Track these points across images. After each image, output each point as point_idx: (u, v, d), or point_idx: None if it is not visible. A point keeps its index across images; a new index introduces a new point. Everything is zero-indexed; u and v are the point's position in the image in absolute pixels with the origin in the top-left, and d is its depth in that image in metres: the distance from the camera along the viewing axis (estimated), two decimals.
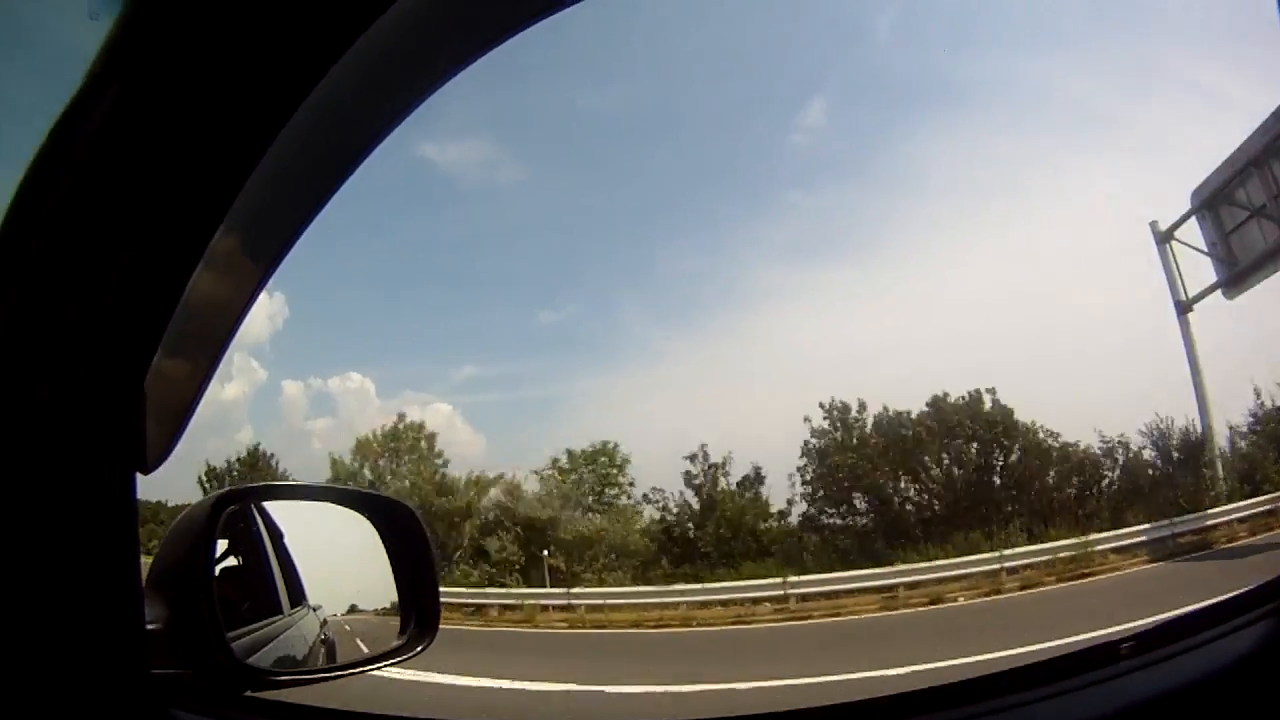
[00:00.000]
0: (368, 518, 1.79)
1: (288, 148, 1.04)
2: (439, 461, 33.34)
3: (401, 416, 34.20)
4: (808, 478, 29.05)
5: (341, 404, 52.19)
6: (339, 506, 1.87)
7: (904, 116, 52.04)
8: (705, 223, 52.23)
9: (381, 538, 1.77)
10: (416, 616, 1.77)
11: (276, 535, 1.96)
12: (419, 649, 1.72)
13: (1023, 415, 28.33)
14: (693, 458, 29.65)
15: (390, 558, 1.77)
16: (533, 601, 23.72)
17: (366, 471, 32.65)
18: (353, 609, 2.03)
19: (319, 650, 2.00)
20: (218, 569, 1.67)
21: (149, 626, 1.26)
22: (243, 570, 1.84)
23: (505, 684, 12.43)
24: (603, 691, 11.96)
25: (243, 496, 1.78)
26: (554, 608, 23.22)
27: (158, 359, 1.14)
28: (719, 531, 27.90)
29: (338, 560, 1.99)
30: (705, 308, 52.05)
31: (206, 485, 32.01)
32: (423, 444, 33.45)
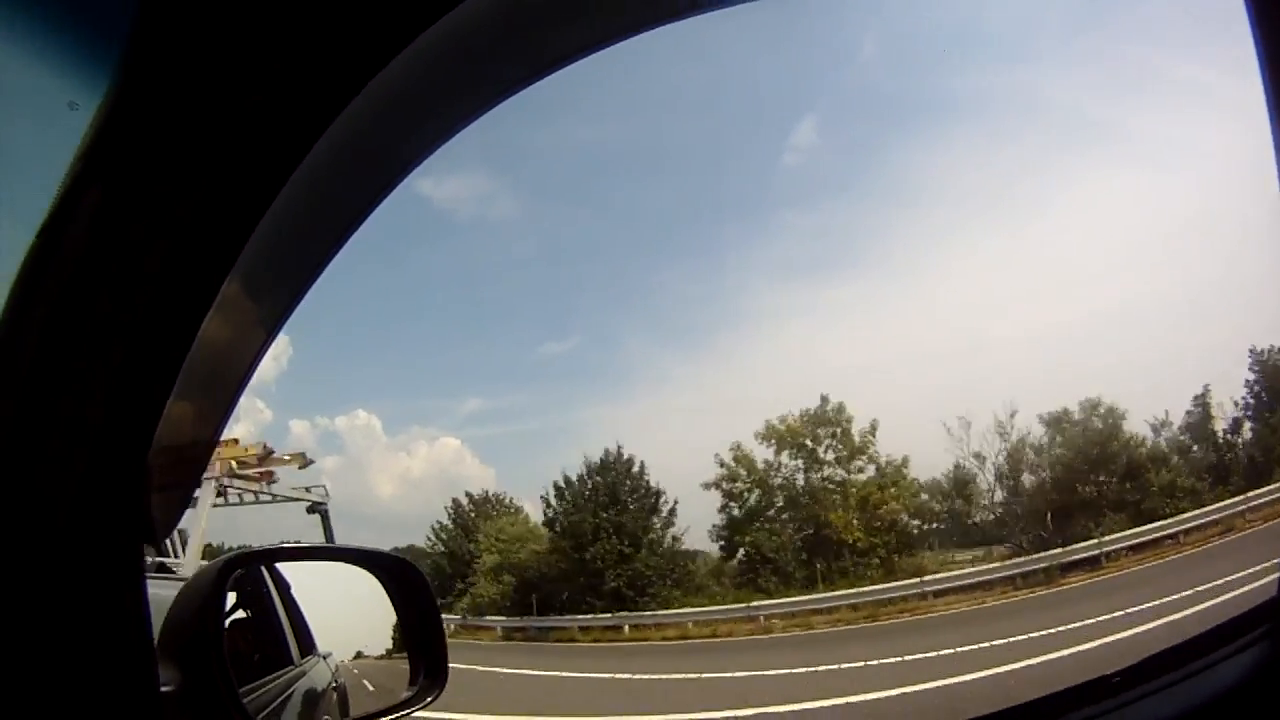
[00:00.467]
0: (375, 575, 1.83)
1: (292, 202, 1.07)
2: None
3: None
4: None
5: (349, 441, 52.22)
6: (346, 564, 1.90)
7: (895, 130, 52.28)
8: (703, 247, 52.36)
9: (389, 594, 1.81)
10: (426, 668, 1.80)
11: (284, 587, 1.99)
12: (429, 699, 1.75)
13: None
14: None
15: (398, 613, 1.81)
16: None
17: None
18: (359, 655, 2.06)
19: (331, 697, 2.03)
20: (228, 622, 1.71)
21: (164, 688, 1.29)
22: (252, 623, 1.87)
23: None
24: None
25: (251, 560, 1.81)
26: None
27: (167, 414, 1.16)
28: None
29: (345, 613, 2.02)
30: (707, 331, 52.07)
31: None
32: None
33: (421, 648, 1.82)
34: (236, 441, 25.47)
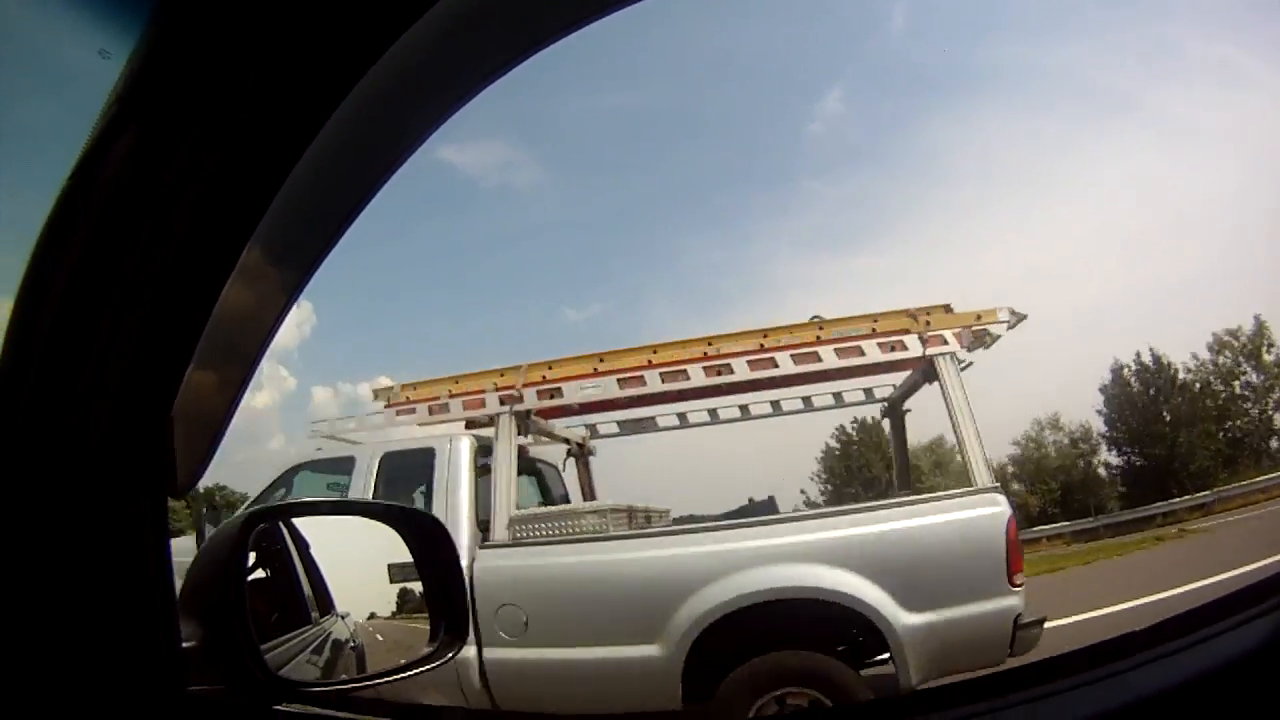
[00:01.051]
0: (395, 529, 1.85)
1: (313, 165, 1.08)
2: None
3: None
4: None
5: (373, 408, 52.58)
6: (366, 519, 1.92)
7: (922, 104, 51.92)
8: (727, 216, 52.54)
9: (409, 549, 1.83)
10: (446, 624, 1.83)
11: (302, 545, 2.02)
12: (449, 655, 1.79)
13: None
14: None
15: (418, 568, 1.83)
16: None
17: None
18: (373, 615, 2.09)
19: (350, 657, 2.06)
20: (247, 581, 1.73)
21: (186, 644, 1.32)
22: (270, 582, 1.89)
23: None
24: None
25: (272, 515, 1.83)
26: None
27: (186, 380, 1.18)
28: None
29: (364, 569, 2.05)
30: (730, 300, 52.40)
31: None
32: None
33: (442, 603, 1.84)
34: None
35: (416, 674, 1.74)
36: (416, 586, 1.90)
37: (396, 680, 1.72)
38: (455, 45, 1.11)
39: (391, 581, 2.02)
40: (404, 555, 1.82)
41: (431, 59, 1.10)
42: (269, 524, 1.74)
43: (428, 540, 1.86)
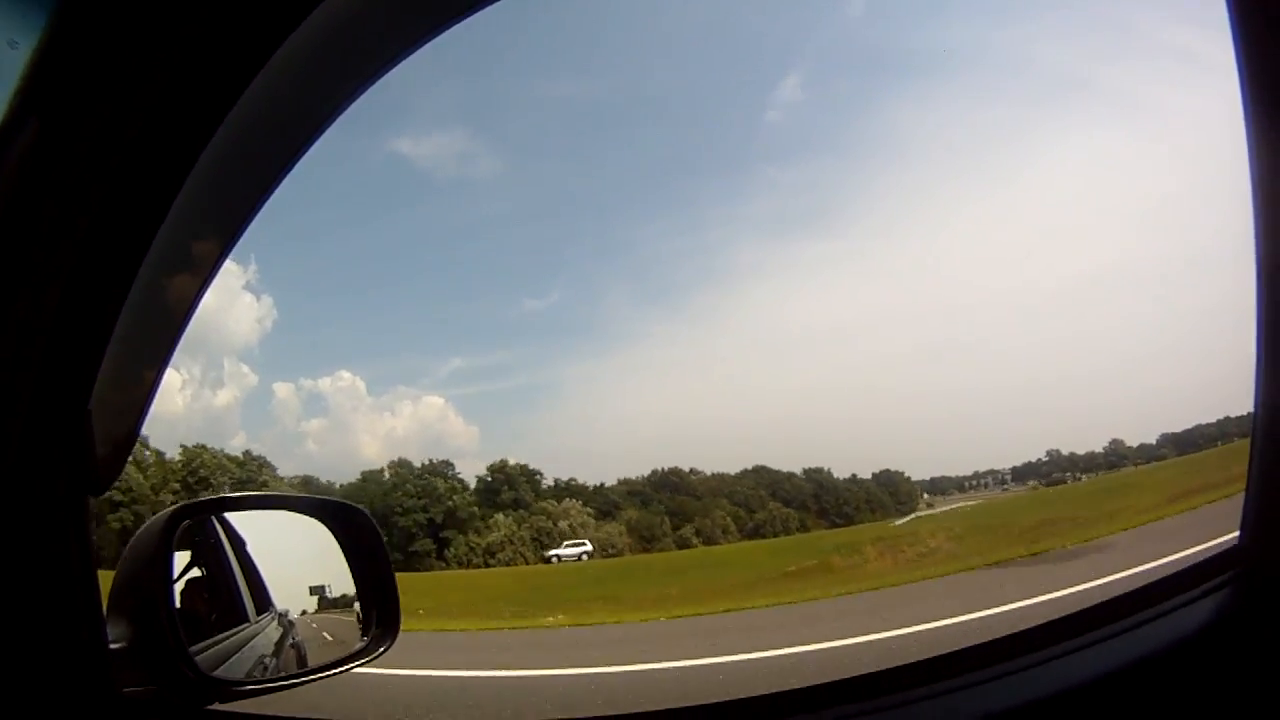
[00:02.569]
0: (324, 523, 1.84)
1: (216, 157, 1.07)
2: None
3: None
4: None
5: (334, 403, 52.90)
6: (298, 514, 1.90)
7: (879, 88, 52.75)
8: (684, 204, 52.98)
9: (339, 542, 1.81)
10: (378, 618, 1.82)
11: (239, 544, 1.99)
12: (381, 650, 1.78)
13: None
14: None
15: (349, 562, 1.81)
16: None
17: None
18: (326, 604, 2.08)
19: (289, 655, 2.04)
20: (183, 581, 1.71)
21: (113, 645, 1.30)
22: (207, 581, 1.87)
23: None
24: None
25: (198, 510, 1.81)
26: None
27: (100, 379, 1.16)
28: None
29: (301, 566, 2.03)
30: (687, 287, 53.27)
31: None
32: None
33: (373, 597, 1.83)
34: None
35: (349, 669, 1.73)
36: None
37: (330, 676, 1.71)
38: (355, 29, 1.12)
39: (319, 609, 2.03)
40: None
41: (327, 49, 1.10)
42: (195, 520, 1.72)
43: (356, 533, 1.85)
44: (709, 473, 54.37)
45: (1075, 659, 1.44)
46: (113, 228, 1.06)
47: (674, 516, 52.89)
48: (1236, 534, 1.47)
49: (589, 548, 51.16)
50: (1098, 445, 54.36)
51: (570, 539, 52.43)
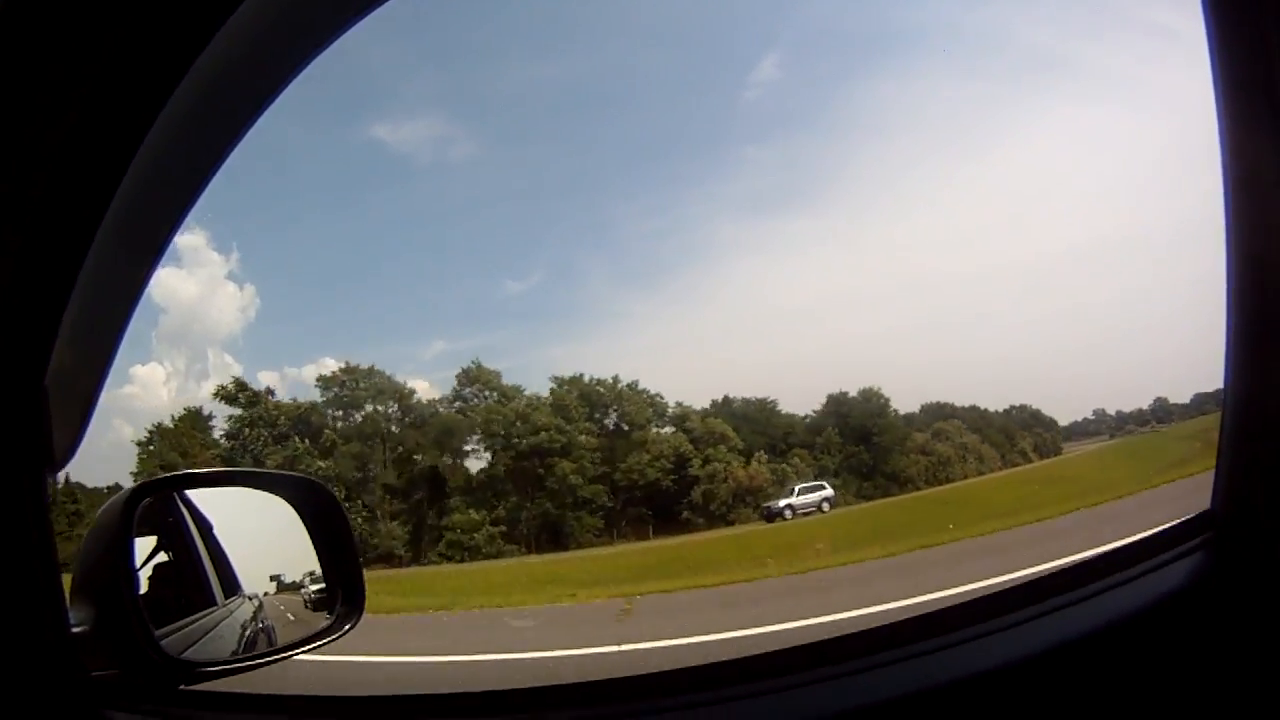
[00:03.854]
0: (286, 499, 1.84)
1: (165, 133, 1.07)
2: None
3: None
4: None
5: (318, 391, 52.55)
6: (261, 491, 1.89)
7: (857, 66, 52.93)
8: (663, 183, 53.10)
9: (301, 518, 1.81)
10: (343, 595, 1.83)
11: (205, 526, 1.99)
12: (347, 628, 1.79)
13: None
14: None
15: (312, 538, 1.82)
16: None
17: None
18: (289, 587, 2.08)
19: (258, 638, 2.04)
20: (151, 565, 1.70)
21: (77, 629, 1.29)
22: (174, 565, 1.86)
23: None
24: None
25: (159, 487, 1.80)
26: None
27: (55, 354, 1.16)
28: None
29: (266, 544, 2.03)
30: (667, 267, 53.48)
31: None
32: None
33: (336, 573, 1.83)
34: None
35: (314, 649, 1.73)
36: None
37: (294, 656, 1.71)
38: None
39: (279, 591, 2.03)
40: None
41: (274, 19, 1.10)
42: (155, 497, 1.70)
43: (319, 509, 1.85)
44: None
45: (1045, 622, 1.46)
46: (61, 205, 1.06)
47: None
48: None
49: (829, 492, 42.27)
50: (1143, 403, 54.25)
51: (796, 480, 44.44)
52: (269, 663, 1.66)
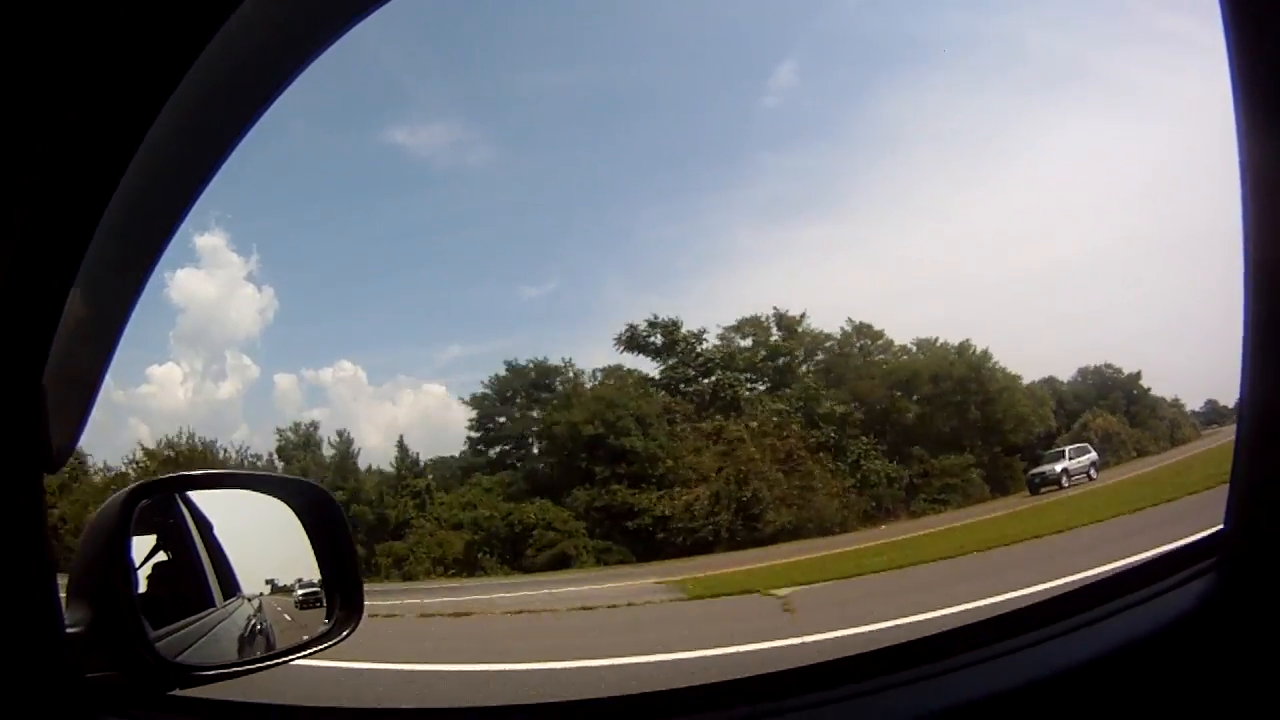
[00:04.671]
0: (287, 503, 1.84)
1: (162, 134, 1.07)
2: None
3: None
4: None
5: (335, 393, 53.12)
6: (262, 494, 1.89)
7: (874, 74, 52.92)
8: (680, 190, 53.26)
9: (302, 523, 1.81)
10: (341, 600, 1.82)
11: (205, 526, 1.99)
12: (345, 633, 1.78)
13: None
14: None
15: (311, 542, 1.82)
16: None
17: None
18: (282, 590, 2.08)
19: (257, 640, 2.04)
20: (149, 565, 1.70)
21: (72, 630, 1.29)
22: (173, 565, 1.87)
23: None
24: None
25: (158, 488, 1.80)
26: None
27: (53, 354, 1.16)
28: None
29: (266, 547, 2.03)
30: (684, 273, 53.48)
31: None
32: None
33: (336, 577, 1.83)
34: None
35: (313, 653, 1.72)
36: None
37: (293, 660, 1.71)
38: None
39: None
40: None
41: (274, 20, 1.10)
42: (155, 499, 1.71)
43: (319, 512, 1.85)
44: None
45: (1051, 646, 1.45)
46: (59, 204, 1.06)
47: None
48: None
49: (1094, 455, 36.74)
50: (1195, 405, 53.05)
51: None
52: (265, 667, 1.66)
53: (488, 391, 42.60)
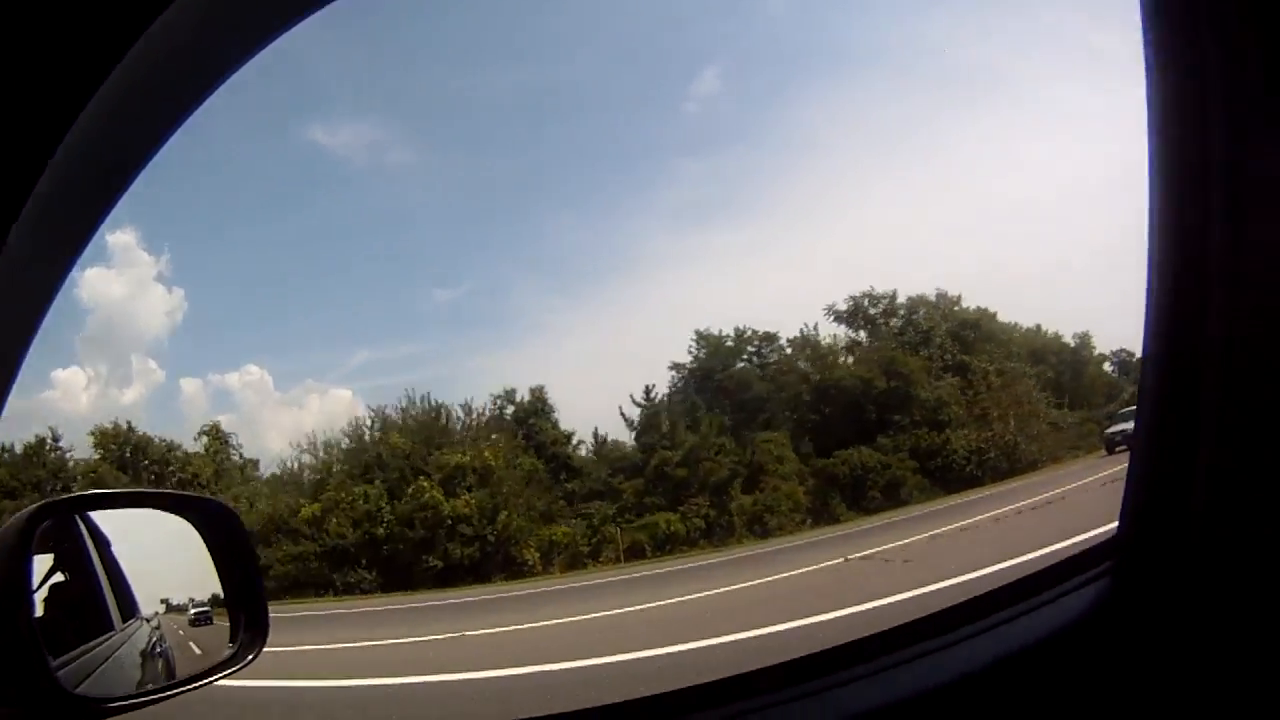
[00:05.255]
0: (189, 520, 1.79)
1: (89, 130, 1.04)
2: None
3: None
4: None
5: (241, 398, 51.22)
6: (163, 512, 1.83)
7: (795, 80, 53.84)
8: (593, 194, 53.14)
9: (204, 541, 1.76)
10: (245, 621, 1.77)
11: (104, 545, 1.91)
12: (250, 657, 1.72)
13: None
14: None
15: (214, 561, 1.77)
16: None
17: None
18: (176, 609, 2.02)
19: (157, 664, 1.97)
20: (45, 588, 1.63)
21: None
22: (70, 586, 1.79)
23: None
24: None
25: (61, 508, 1.73)
26: None
27: None
28: None
29: (165, 566, 1.97)
30: (596, 277, 53.59)
31: None
32: None
33: (240, 598, 1.79)
34: None
35: (218, 679, 1.67)
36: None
37: (199, 688, 1.65)
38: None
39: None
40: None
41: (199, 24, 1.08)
42: (58, 519, 1.63)
43: (221, 529, 1.80)
44: None
45: (950, 653, 1.50)
46: None
47: None
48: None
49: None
50: None
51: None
52: (170, 696, 1.60)
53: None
